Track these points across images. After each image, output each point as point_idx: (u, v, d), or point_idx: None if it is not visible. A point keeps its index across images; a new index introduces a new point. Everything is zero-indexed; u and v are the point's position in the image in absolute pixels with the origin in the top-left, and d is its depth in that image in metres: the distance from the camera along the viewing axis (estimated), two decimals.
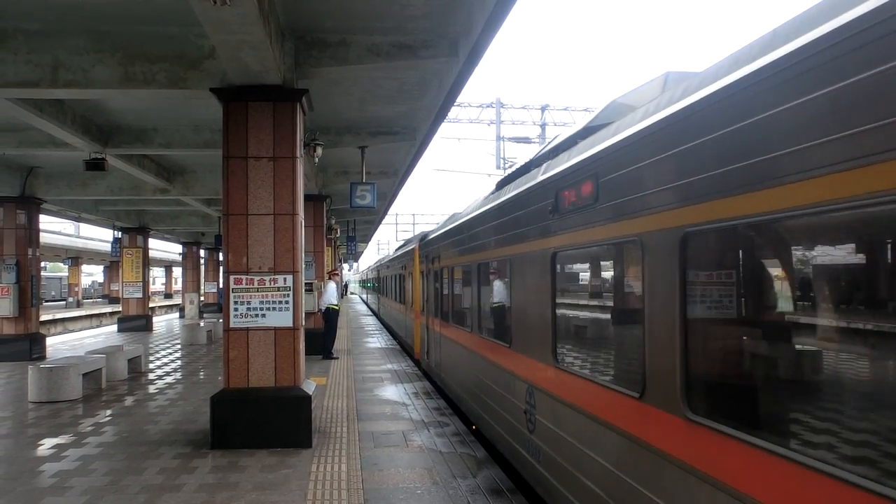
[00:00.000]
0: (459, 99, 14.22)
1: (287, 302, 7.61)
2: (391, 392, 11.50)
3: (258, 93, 7.51)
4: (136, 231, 23.82)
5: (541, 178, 5.89)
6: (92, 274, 78.73)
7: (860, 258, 2.61)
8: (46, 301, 52.81)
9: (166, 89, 7.49)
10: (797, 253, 2.95)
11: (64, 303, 53.82)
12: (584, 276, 5.46)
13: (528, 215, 6.20)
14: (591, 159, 4.71)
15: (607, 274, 4.93)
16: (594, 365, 5.01)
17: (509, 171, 8.50)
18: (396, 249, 26.99)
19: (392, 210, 39.28)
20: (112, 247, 26.11)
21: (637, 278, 4.03)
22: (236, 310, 7.55)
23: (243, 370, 7.56)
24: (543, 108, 25.49)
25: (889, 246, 2.34)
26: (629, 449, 4.03)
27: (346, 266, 62.01)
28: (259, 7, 5.52)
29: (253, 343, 7.57)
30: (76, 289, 52.91)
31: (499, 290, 7.59)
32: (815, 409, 2.79)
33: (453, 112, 23.90)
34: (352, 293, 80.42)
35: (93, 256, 52.11)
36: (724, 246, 3.39)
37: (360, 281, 76.78)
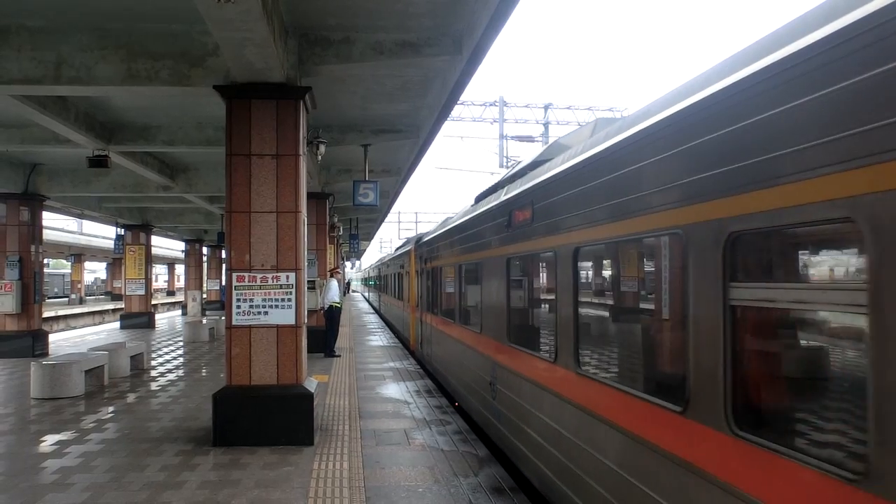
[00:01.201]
0: (462, 97, 14.23)
1: (289, 300, 7.61)
2: (393, 390, 11.50)
3: (261, 90, 7.50)
4: (138, 228, 23.86)
5: (501, 199, 7.47)
6: (95, 271, 78.95)
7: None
8: (49, 298, 52.98)
9: (169, 86, 7.49)
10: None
11: (67, 299, 53.94)
12: (527, 278, 6.87)
13: (492, 228, 7.89)
14: (529, 189, 6.32)
15: (542, 276, 6.32)
16: (533, 342, 6.44)
17: (485, 187, 9.95)
18: (396, 250, 28.20)
19: (395, 208, 39.29)
20: (115, 244, 26.10)
21: (552, 280, 5.63)
22: (239, 307, 7.56)
23: (245, 368, 7.56)
24: (546, 107, 25.45)
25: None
26: (553, 403, 5.58)
27: (348, 264, 62.04)
28: (262, 4, 5.51)
29: (255, 341, 7.58)
30: (79, 286, 52.98)
31: (474, 287, 8.98)
32: None
33: (456, 110, 23.88)
34: (354, 291, 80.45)
35: (95, 253, 52.20)
36: (594, 257, 5.13)
37: (362, 279, 76.95)
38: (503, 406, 7.24)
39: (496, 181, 8.96)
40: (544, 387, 5.79)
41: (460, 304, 10.19)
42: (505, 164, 24.33)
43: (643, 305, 4.42)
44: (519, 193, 6.66)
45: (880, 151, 2.19)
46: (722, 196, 3.08)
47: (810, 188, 2.50)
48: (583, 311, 5.08)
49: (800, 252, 2.98)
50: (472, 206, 10.09)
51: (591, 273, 5.27)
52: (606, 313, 5.00)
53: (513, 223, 6.84)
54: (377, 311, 37.80)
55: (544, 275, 6.15)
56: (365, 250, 66.45)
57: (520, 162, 8.34)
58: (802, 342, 3.01)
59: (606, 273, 5.06)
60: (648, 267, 4.31)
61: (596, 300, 5.12)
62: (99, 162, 11.27)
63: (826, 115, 2.44)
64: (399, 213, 66.34)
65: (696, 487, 3.21)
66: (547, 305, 6.02)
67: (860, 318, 2.31)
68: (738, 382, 3.03)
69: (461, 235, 9.98)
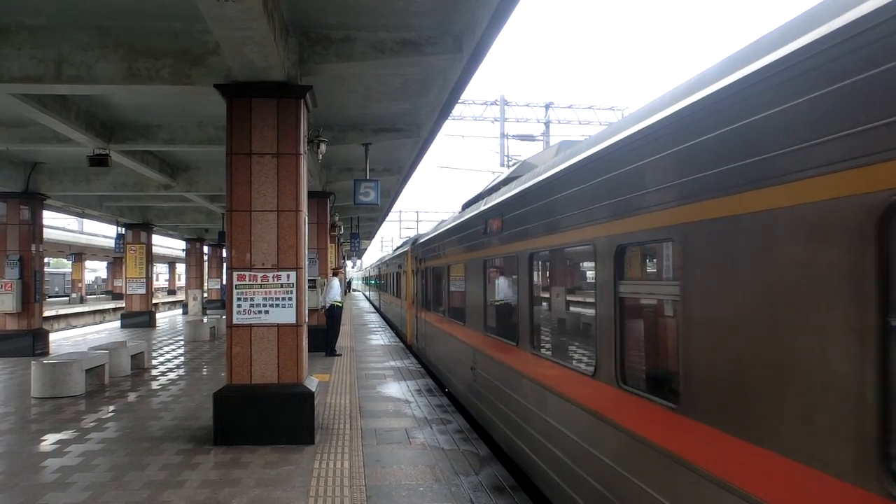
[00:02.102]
0: (463, 96, 14.22)
1: (290, 299, 7.60)
2: (394, 389, 11.49)
3: (262, 89, 7.50)
4: (139, 227, 23.85)
5: (481, 209, 8.60)
6: (95, 270, 78.97)
7: None
8: (50, 297, 53.01)
9: (170, 85, 7.47)
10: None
11: (67, 298, 53.95)
12: (500, 277, 7.91)
13: (472, 234, 8.99)
14: (499, 203, 7.49)
15: (510, 276, 7.21)
16: (503, 331, 7.41)
17: (470, 197, 11.35)
18: (395, 250, 29.11)
19: (396, 207, 39.24)
20: (115, 243, 26.12)
21: (516, 279, 6.71)
22: (239, 306, 7.55)
23: (246, 367, 7.56)
24: (547, 106, 25.44)
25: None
26: (515, 379, 6.73)
27: (349, 263, 62.02)
28: (263, 3, 5.50)
29: (256, 340, 7.57)
30: (79, 285, 52.99)
31: (460, 285, 10.08)
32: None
33: (457, 109, 23.87)
34: (355, 290, 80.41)
35: (96, 252, 52.21)
36: (555, 261, 6.07)
37: (363, 278, 77.08)
38: (481, 387, 8.46)
39: (479, 192, 10.26)
40: (510, 366, 6.95)
41: (449, 300, 11.31)
42: (506, 162, 24.31)
43: (577, 298, 5.58)
44: (492, 206, 7.88)
45: (680, 198, 3.40)
46: (612, 219, 4.27)
47: (653, 218, 3.73)
48: (538, 304, 6.29)
49: (649, 260, 4.32)
50: (459, 212, 11.41)
51: (542, 273, 6.43)
52: (553, 305, 6.12)
53: (488, 230, 8.01)
54: (377, 310, 38.01)
55: (512, 274, 7.08)
56: (366, 249, 66.43)
57: (498, 176, 9.86)
58: (653, 320, 4.18)
59: (552, 273, 6.28)
60: (577, 269, 5.63)
61: (545, 294, 6.32)
62: (99, 161, 11.26)
63: (653, 174, 3.75)
64: (400, 211, 66.42)
65: (598, 426, 4.54)
66: (513, 300, 6.99)
67: (678, 302, 3.46)
68: (623, 353, 4.23)
69: (449, 239, 11.20)
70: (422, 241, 15.69)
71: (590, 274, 4.84)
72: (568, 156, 5.32)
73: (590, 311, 4.79)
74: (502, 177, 9.17)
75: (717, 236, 3.08)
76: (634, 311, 4.28)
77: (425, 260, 14.52)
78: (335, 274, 16.84)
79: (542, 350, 6.02)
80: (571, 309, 5.69)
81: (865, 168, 2.24)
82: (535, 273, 6.35)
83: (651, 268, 4.32)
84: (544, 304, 6.26)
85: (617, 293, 4.23)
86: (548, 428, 5.60)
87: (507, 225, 7.05)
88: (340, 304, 15.92)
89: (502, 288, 7.73)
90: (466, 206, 10.83)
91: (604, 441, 4.40)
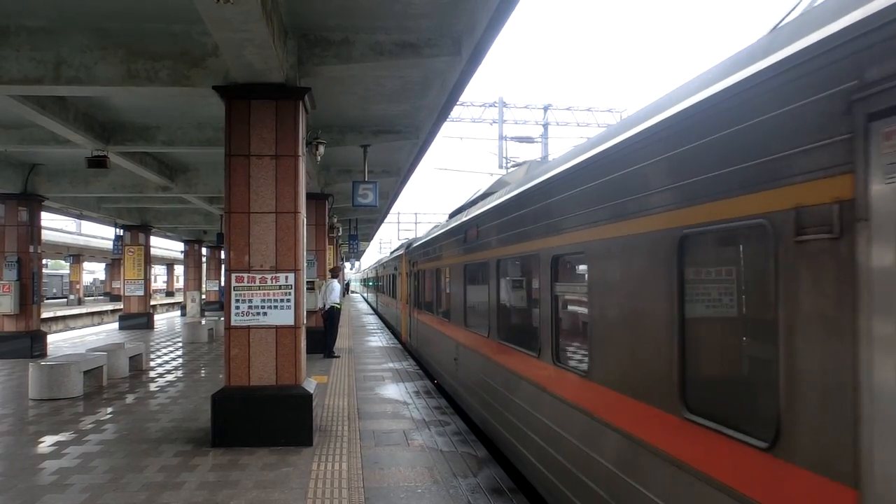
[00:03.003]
0: (462, 98, 14.22)
1: (289, 300, 7.60)
2: (392, 391, 11.49)
3: (261, 91, 7.50)
4: (137, 229, 23.82)
5: (461, 220, 9.91)
6: (93, 271, 78.87)
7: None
8: (48, 298, 52.92)
9: (169, 87, 7.47)
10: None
11: (65, 300, 53.87)
12: (477, 279, 8.82)
13: (455, 242, 10.34)
14: (474, 217, 8.87)
15: (484, 280, 8.18)
16: (478, 325, 8.57)
17: (456, 207, 12.77)
18: (391, 253, 30.68)
19: (394, 209, 39.21)
20: (114, 244, 26.08)
21: (488, 282, 7.90)
22: (238, 308, 7.55)
23: (244, 368, 7.56)
24: (546, 108, 25.45)
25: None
26: (486, 364, 8.04)
27: (347, 265, 61.95)
28: (262, 5, 5.51)
29: (254, 341, 7.57)
30: (77, 286, 52.91)
31: (445, 286, 11.43)
32: None
33: (456, 111, 23.89)
34: (353, 292, 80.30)
35: (94, 254, 52.15)
36: (515, 267, 7.17)
37: (361, 280, 77.16)
38: (462, 374, 9.73)
39: (462, 204, 11.68)
40: (483, 355, 8.21)
41: (437, 300, 12.63)
42: (504, 164, 24.30)
43: (532, 297, 6.47)
44: (469, 218, 9.21)
45: (586, 223, 4.69)
46: (549, 236, 5.54)
47: (573, 236, 4.99)
48: (502, 302, 7.48)
49: (572, 268, 5.50)
50: (446, 221, 12.96)
51: (507, 277, 7.48)
52: (515, 303, 7.31)
53: (467, 239, 9.27)
54: (375, 311, 38.23)
55: (485, 278, 8.13)
56: (364, 251, 66.38)
57: (479, 190, 11.24)
58: (575, 312, 5.37)
59: (513, 277, 7.36)
60: (530, 274, 6.56)
61: (509, 295, 7.50)
62: (98, 162, 11.26)
63: (570, 203, 5.07)
64: (399, 213, 66.46)
65: (540, 397, 5.75)
66: (486, 299, 8.07)
67: (587, 298, 4.72)
68: (556, 340, 5.47)
69: (436, 245, 12.57)
70: (414, 245, 17.03)
71: (537, 278, 6.01)
72: (531, 177, 6.42)
73: (537, 306, 6.00)
74: (482, 191, 10.50)
75: (604, 251, 4.45)
76: (564, 305, 5.57)
77: (417, 263, 15.79)
78: (334, 276, 16.83)
79: (506, 340, 7.17)
80: (528, 306, 6.77)
81: (668, 213, 3.57)
82: (503, 277, 7.47)
83: (575, 273, 5.48)
84: (508, 302, 7.45)
85: (553, 292, 5.54)
86: (509, 402, 6.89)
87: (480, 235, 8.38)
88: (339, 306, 15.93)
89: (478, 289, 8.69)
90: (452, 215, 12.39)
91: (544, 407, 5.69)
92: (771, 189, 2.73)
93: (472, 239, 8.88)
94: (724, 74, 3.15)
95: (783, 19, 3.14)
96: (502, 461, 7.46)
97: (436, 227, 15.37)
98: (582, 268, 5.05)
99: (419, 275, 15.55)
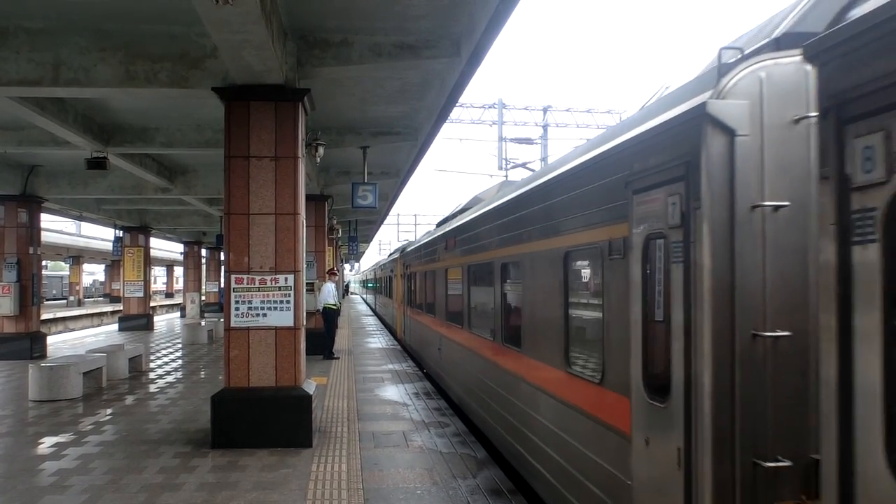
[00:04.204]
0: (461, 100, 14.21)
1: (288, 302, 7.61)
2: (392, 392, 11.49)
3: (260, 92, 7.51)
4: (137, 230, 23.82)
5: (444, 230, 12.00)
6: (93, 273, 78.79)
7: None
8: (47, 300, 52.87)
9: (168, 88, 7.48)
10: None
11: (65, 301, 53.83)
12: (455, 282, 10.60)
13: (438, 249, 12.39)
14: (452, 229, 10.93)
15: (460, 282, 10.10)
16: (456, 318, 10.41)
17: (444, 217, 14.85)
18: (388, 256, 32.30)
19: (394, 210, 39.21)
20: (113, 246, 26.09)
21: (463, 284, 9.83)
22: (237, 309, 7.55)
23: (244, 370, 7.56)
24: (545, 110, 25.45)
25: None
26: (460, 350, 10.00)
27: (347, 266, 61.94)
28: (261, 6, 5.51)
29: (254, 343, 7.57)
30: (77, 288, 52.88)
31: (431, 287, 13.26)
32: None
33: (455, 112, 23.85)
34: (352, 293, 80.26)
35: (94, 255, 52.08)
36: (480, 272, 8.65)
37: (360, 281, 77.26)
38: (445, 361, 11.50)
39: (447, 215, 13.83)
40: (459, 343, 10.03)
41: (424, 299, 14.54)
42: (504, 166, 24.31)
43: (494, 296, 7.74)
44: (448, 230, 11.34)
45: (519, 241, 6.57)
46: (499, 248, 7.43)
47: (515, 249, 6.73)
48: (473, 300, 9.25)
49: (508, 272, 7.23)
50: (435, 228, 15.21)
51: (476, 280, 9.04)
52: (481, 300, 8.72)
53: (448, 247, 11.16)
54: (374, 312, 38.54)
55: (461, 281, 9.93)
56: (364, 252, 66.37)
57: (460, 204, 13.36)
58: (514, 305, 7.01)
59: (480, 280, 8.73)
60: (488, 277, 8.01)
61: (477, 294, 9.02)
62: (97, 164, 11.26)
63: (511, 224, 6.97)
64: (398, 214, 66.38)
65: (493, 369, 7.69)
66: (462, 298, 9.83)
67: (521, 294, 6.56)
68: (504, 324, 7.29)
69: (423, 252, 14.73)
70: (408, 250, 19.27)
71: (495, 281, 7.65)
72: (499, 196, 8.05)
73: (493, 301, 7.76)
74: (462, 205, 12.72)
75: (527, 261, 6.28)
76: (510, 300, 7.27)
77: (410, 266, 17.99)
78: (329, 278, 16.76)
79: (474, 329, 9.06)
80: (488, 302, 8.19)
81: (556, 237, 5.43)
82: (473, 280, 9.21)
83: (516, 276, 6.91)
84: (477, 299, 9.13)
85: (503, 290, 7.39)
86: (476, 379, 8.73)
87: (457, 245, 10.29)
88: (334, 307, 15.92)
89: (455, 290, 10.63)
90: (440, 224, 14.71)
91: (496, 377, 7.53)
92: (601, 227, 4.48)
93: (450, 248, 11.02)
94: (575, 157, 5.33)
95: (648, 101, 4.86)
96: (502, 462, 7.46)
97: (427, 233, 17.25)
98: (518, 271, 6.74)
99: (411, 277, 17.60)
